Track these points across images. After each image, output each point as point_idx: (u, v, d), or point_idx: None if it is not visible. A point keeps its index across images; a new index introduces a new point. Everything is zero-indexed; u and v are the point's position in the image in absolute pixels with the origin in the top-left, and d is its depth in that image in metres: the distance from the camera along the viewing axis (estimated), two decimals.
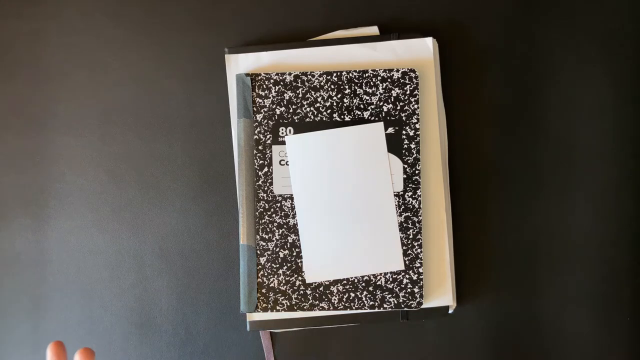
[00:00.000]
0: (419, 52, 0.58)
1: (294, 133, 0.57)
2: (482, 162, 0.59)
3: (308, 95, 0.57)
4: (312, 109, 0.57)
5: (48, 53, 0.61)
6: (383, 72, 0.57)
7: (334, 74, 0.57)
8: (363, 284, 0.57)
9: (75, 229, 0.60)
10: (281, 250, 0.57)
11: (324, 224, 0.57)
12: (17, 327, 0.60)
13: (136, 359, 0.60)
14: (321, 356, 0.59)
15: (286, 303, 0.57)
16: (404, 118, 0.57)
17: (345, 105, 0.57)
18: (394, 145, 0.57)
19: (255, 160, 0.57)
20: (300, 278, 0.57)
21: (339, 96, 0.57)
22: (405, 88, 0.57)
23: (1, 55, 0.61)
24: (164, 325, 0.60)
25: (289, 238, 0.57)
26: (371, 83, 0.57)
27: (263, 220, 0.57)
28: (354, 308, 0.57)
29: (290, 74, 0.57)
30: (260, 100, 0.57)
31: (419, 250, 0.56)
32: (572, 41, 0.59)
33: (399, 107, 0.57)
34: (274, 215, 0.57)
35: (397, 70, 0.57)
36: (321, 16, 0.60)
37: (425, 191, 0.57)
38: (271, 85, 0.57)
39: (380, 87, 0.57)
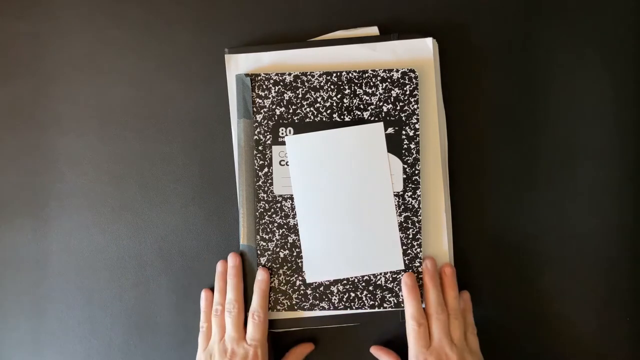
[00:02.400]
0: (419, 52, 0.58)
1: (294, 133, 0.57)
2: (482, 162, 0.59)
3: (308, 95, 0.57)
4: (312, 109, 0.57)
5: (48, 53, 0.61)
6: (383, 72, 0.57)
7: (334, 74, 0.57)
8: (363, 284, 0.57)
9: (75, 229, 0.60)
10: (281, 250, 0.57)
11: (324, 224, 0.57)
12: (17, 327, 0.60)
13: (136, 359, 0.60)
14: (321, 356, 0.59)
15: (286, 303, 0.57)
16: (403, 118, 0.57)
17: (345, 105, 0.57)
18: (394, 145, 0.57)
19: (256, 161, 0.57)
20: (300, 278, 0.57)
21: (338, 96, 0.57)
22: (405, 88, 0.57)
23: (1, 55, 0.61)
24: (164, 326, 0.60)
25: (289, 238, 0.57)
26: (371, 83, 0.57)
27: (263, 221, 0.57)
28: (354, 308, 0.57)
29: (290, 74, 0.57)
30: (260, 101, 0.57)
31: (418, 250, 0.56)
32: (571, 41, 0.59)
33: (398, 107, 0.57)
34: (274, 215, 0.57)
35: (397, 71, 0.57)
36: (321, 16, 0.60)
37: (425, 191, 0.57)
38: (271, 85, 0.57)
39: (380, 87, 0.57)
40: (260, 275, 0.56)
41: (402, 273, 0.56)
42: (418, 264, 0.56)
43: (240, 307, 0.55)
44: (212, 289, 0.59)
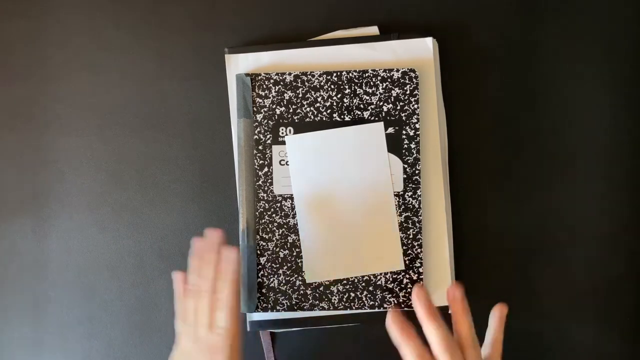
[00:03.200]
0: (419, 52, 0.58)
1: (294, 133, 0.57)
2: (482, 161, 0.59)
3: (308, 95, 0.57)
4: (312, 108, 0.57)
5: (48, 53, 0.61)
6: (383, 72, 0.57)
7: (334, 74, 0.57)
8: (363, 284, 0.57)
9: (75, 228, 0.60)
10: (281, 250, 0.57)
11: (324, 223, 0.57)
12: (17, 327, 0.60)
13: (136, 359, 0.60)
14: (321, 356, 0.59)
15: (286, 303, 0.57)
16: (404, 118, 0.57)
17: (345, 105, 0.57)
18: (394, 145, 0.57)
19: (255, 160, 0.57)
20: (300, 278, 0.57)
21: (339, 96, 0.57)
22: (405, 88, 0.57)
23: (1, 55, 0.61)
24: (164, 326, 0.60)
25: (289, 238, 0.57)
26: (371, 83, 0.57)
27: (263, 220, 0.57)
28: (354, 308, 0.57)
29: (290, 74, 0.57)
30: (260, 100, 0.57)
31: (419, 250, 0.56)
32: (571, 40, 0.59)
33: (399, 107, 0.57)
34: (274, 215, 0.57)
35: (397, 70, 0.57)
36: (321, 16, 0.60)
37: (425, 191, 0.57)
38: (271, 85, 0.57)
39: (380, 87, 0.57)
40: (230, 256, 0.49)
41: (402, 273, 0.56)
42: (419, 264, 0.56)
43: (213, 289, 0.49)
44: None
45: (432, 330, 0.45)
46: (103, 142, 0.61)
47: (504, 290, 0.59)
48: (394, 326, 0.46)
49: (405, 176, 0.57)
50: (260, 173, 0.57)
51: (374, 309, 0.56)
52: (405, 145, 0.57)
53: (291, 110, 0.57)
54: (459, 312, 0.46)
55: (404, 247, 0.56)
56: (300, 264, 0.57)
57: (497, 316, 0.48)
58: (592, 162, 0.59)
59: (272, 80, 0.57)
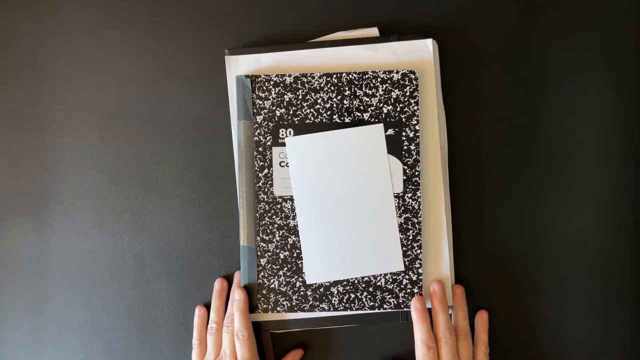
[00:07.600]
0: (419, 54, 0.58)
1: (294, 134, 0.57)
2: (481, 163, 0.59)
3: (308, 96, 0.57)
4: (312, 110, 0.57)
5: (48, 53, 0.61)
6: (383, 73, 0.57)
7: (334, 76, 0.57)
8: (363, 285, 0.57)
9: (75, 229, 0.60)
10: (281, 251, 0.57)
11: (324, 225, 0.57)
12: (18, 327, 0.61)
13: (136, 359, 0.60)
14: (321, 356, 0.60)
15: (286, 304, 0.57)
16: (403, 119, 0.57)
17: (345, 106, 0.57)
18: (394, 146, 0.57)
19: (256, 162, 0.57)
20: (300, 279, 0.57)
21: (339, 98, 0.57)
22: (405, 89, 0.57)
23: (1, 55, 0.61)
24: (165, 326, 0.60)
25: (289, 239, 0.57)
26: (371, 84, 0.57)
27: (263, 222, 0.57)
28: (354, 309, 0.57)
29: (290, 75, 0.57)
30: (260, 102, 0.57)
31: (418, 251, 0.57)
32: (571, 42, 0.59)
33: (398, 109, 0.57)
34: (274, 216, 0.57)
35: (397, 72, 0.57)
36: (321, 17, 0.60)
37: (425, 192, 0.57)
38: (271, 86, 0.57)
39: (380, 89, 0.57)
40: (238, 295, 0.56)
41: (402, 274, 0.57)
42: (418, 265, 0.56)
43: None
44: (206, 306, 0.59)
45: (439, 318, 0.55)
46: (103, 142, 0.61)
47: (504, 291, 0.59)
48: (415, 308, 0.55)
49: (405, 178, 0.57)
50: (260, 174, 0.57)
51: (374, 310, 0.57)
52: (405, 147, 0.57)
53: (291, 112, 0.57)
54: (458, 307, 0.57)
55: (404, 248, 0.57)
56: (300, 265, 0.57)
57: (480, 319, 0.58)
58: (593, 163, 0.59)
59: (272, 82, 0.57)
